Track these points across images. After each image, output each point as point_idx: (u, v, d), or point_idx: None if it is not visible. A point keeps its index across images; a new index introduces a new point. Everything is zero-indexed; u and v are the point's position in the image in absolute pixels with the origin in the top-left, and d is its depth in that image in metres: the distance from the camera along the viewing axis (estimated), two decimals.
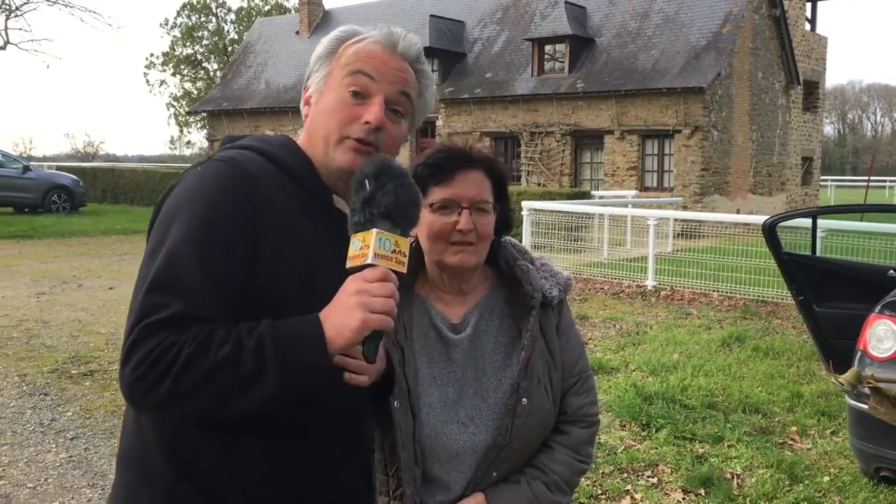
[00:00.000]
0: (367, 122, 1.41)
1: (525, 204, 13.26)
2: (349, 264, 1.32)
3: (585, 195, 19.38)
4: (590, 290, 11.33)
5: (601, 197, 19.40)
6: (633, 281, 11.69)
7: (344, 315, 1.27)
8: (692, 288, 11.08)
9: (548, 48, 25.94)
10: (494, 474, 1.76)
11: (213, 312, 1.26)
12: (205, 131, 41.97)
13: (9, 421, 5.32)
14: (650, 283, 11.40)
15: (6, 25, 22.73)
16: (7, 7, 22.51)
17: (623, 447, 4.80)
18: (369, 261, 1.29)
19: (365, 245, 1.30)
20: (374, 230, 1.30)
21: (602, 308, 9.84)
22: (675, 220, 15.23)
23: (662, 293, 10.97)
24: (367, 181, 1.33)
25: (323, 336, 1.27)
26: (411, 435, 1.72)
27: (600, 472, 4.43)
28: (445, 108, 27.65)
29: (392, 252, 1.31)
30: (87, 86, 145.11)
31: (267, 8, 50.52)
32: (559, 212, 13.41)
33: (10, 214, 21.66)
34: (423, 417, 1.73)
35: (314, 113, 1.47)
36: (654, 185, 23.90)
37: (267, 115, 32.92)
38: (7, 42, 22.81)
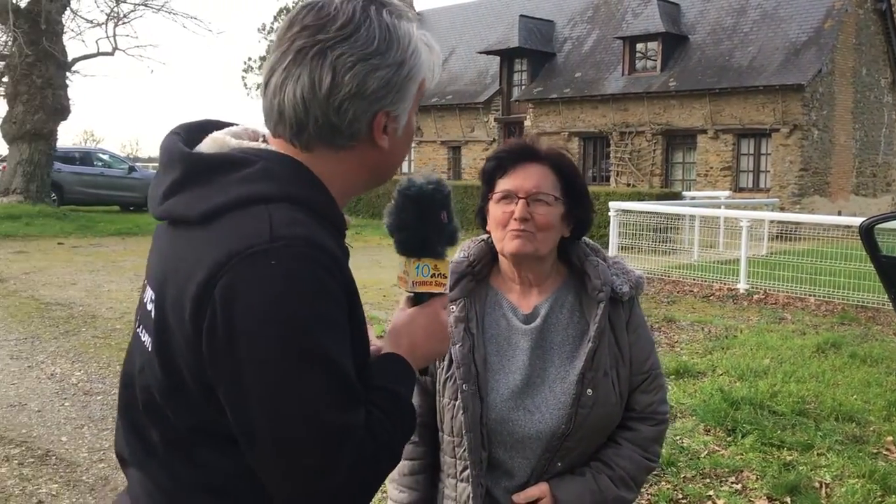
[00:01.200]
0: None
1: (612, 204, 13.10)
2: (419, 289, 1.34)
3: (676, 196, 19.00)
4: (678, 292, 11.11)
5: (693, 198, 18.98)
6: (725, 284, 11.39)
7: (439, 343, 1.34)
8: (787, 292, 10.72)
9: (639, 46, 25.54)
10: (559, 464, 1.79)
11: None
12: None
13: (110, 407, 5.61)
14: (742, 286, 11.09)
15: (114, 32, 23.76)
16: (115, 15, 23.55)
17: (706, 452, 4.71)
18: (446, 291, 1.36)
19: (440, 274, 1.34)
20: (448, 259, 1.36)
21: (690, 311, 9.64)
22: (771, 221, 14.76)
23: (755, 297, 10.66)
24: (444, 213, 1.33)
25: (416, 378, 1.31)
26: (478, 418, 1.78)
27: (682, 476, 4.36)
28: (533, 109, 27.55)
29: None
30: (189, 89, 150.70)
31: None
32: (648, 212, 13.19)
33: (116, 213, 22.73)
34: (490, 402, 1.79)
35: (399, 146, 1.28)
36: (750, 185, 23.23)
37: None
38: (115, 48, 23.83)
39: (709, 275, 11.87)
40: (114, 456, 4.74)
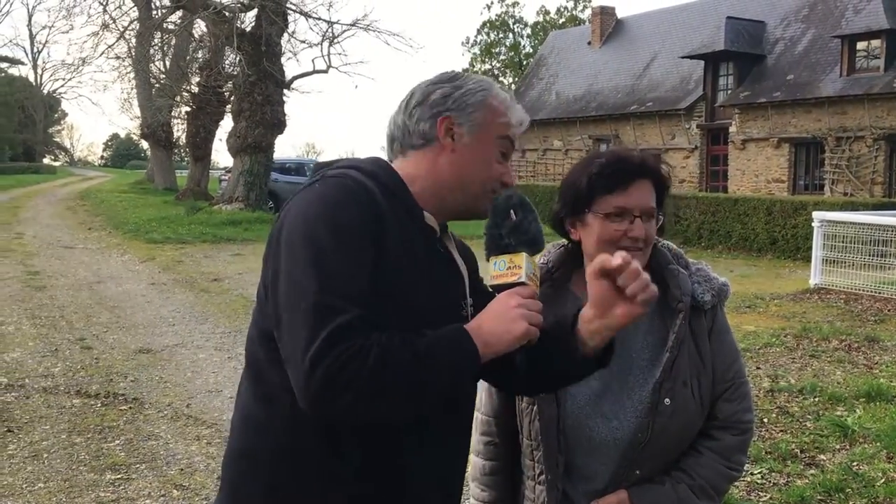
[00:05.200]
0: (505, 185, 1.59)
1: (816, 215, 12.25)
2: (495, 282, 1.47)
3: None
4: (889, 310, 10.18)
5: None
6: None
7: (507, 324, 1.41)
8: None
9: (860, 45, 23.64)
10: (638, 472, 1.78)
11: (376, 318, 1.33)
12: None
13: None
14: None
15: (328, 52, 25.39)
16: (329, 36, 25.16)
17: (883, 480, 4.33)
18: (522, 279, 1.45)
19: (514, 265, 1.46)
20: (524, 254, 1.47)
21: None
22: None
23: None
24: (513, 211, 1.49)
25: (477, 350, 1.40)
26: (555, 423, 1.80)
27: (849, 503, 4.05)
28: (740, 114, 26.29)
29: (533, 275, 1.48)
30: (396, 102, 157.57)
31: (562, 21, 51.47)
32: (858, 223, 12.18)
33: None
34: (567, 408, 1.81)
35: (467, 157, 1.55)
36: None
37: (556, 125, 33.55)
38: (329, 66, 25.44)
39: None
40: None
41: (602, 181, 1.78)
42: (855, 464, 4.57)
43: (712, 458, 1.79)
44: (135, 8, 27.60)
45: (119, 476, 4.49)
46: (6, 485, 4.35)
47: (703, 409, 1.80)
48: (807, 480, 4.37)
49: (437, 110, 1.55)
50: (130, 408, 5.73)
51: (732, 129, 26.62)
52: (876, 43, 23.18)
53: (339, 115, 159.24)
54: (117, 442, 5.03)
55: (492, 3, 58.09)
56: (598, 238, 1.78)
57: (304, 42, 27.39)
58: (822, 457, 4.75)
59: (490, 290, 1.50)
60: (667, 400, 1.75)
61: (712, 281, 1.83)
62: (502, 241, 1.47)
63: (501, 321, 1.41)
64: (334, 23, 24.39)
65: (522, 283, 1.45)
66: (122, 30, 26.62)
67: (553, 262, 1.91)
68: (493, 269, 1.47)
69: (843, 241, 12.18)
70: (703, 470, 1.79)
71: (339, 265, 1.34)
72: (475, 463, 1.99)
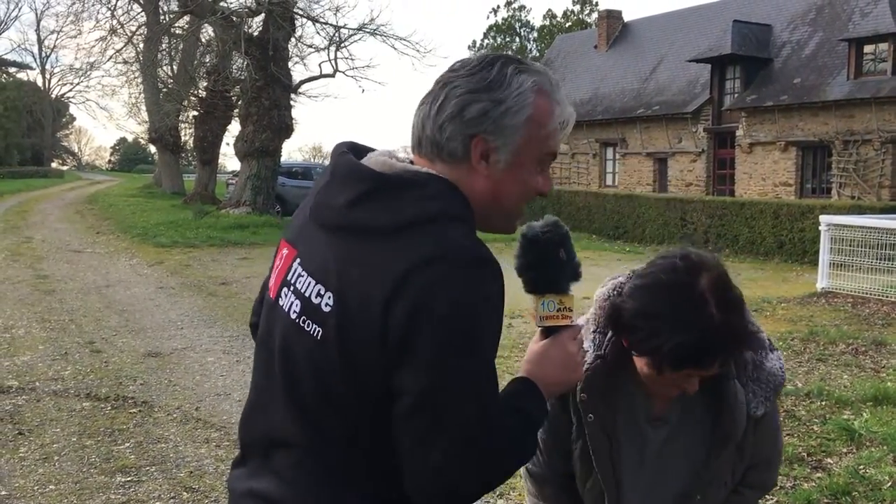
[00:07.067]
0: (541, 194, 1.44)
1: (823, 219, 12.24)
2: (546, 323, 1.44)
3: None
4: None
5: None
6: None
7: (569, 373, 1.46)
8: None
9: (867, 48, 23.59)
10: None
11: None
12: None
13: None
14: None
15: (335, 56, 25.46)
16: (336, 40, 25.21)
17: (890, 483, 4.34)
18: (574, 322, 1.46)
19: (565, 308, 1.44)
20: (572, 294, 1.45)
21: None
22: None
23: None
24: (561, 251, 1.43)
25: (546, 404, 1.43)
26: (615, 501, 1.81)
27: None
28: (747, 117, 26.25)
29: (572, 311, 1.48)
30: (404, 106, 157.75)
31: (568, 25, 51.50)
32: (866, 227, 12.17)
33: None
34: (621, 495, 1.82)
35: (503, 179, 1.38)
36: None
37: None
38: (336, 70, 25.48)
39: None
40: None
41: (675, 362, 1.56)
42: (862, 467, 4.58)
43: None
44: (143, 13, 27.74)
45: (129, 478, 4.53)
46: (18, 487, 4.40)
47: (732, 484, 1.82)
48: (813, 484, 4.38)
49: (472, 131, 1.35)
50: (140, 411, 5.76)
51: (739, 132, 26.59)
52: (883, 46, 23.14)
53: (346, 118, 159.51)
54: (127, 445, 5.06)
55: (498, 7, 58.17)
56: (647, 377, 1.67)
57: (311, 46, 27.16)
58: (829, 460, 4.76)
59: (539, 327, 1.46)
60: (699, 496, 1.78)
61: (770, 381, 1.71)
62: (554, 282, 1.43)
63: (565, 370, 1.44)
64: (341, 27, 24.47)
65: (572, 326, 1.45)
66: (130, 35, 26.77)
67: (610, 356, 1.74)
68: (543, 310, 1.43)
69: (850, 245, 12.17)
70: None
71: (491, 366, 1.32)
72: None
